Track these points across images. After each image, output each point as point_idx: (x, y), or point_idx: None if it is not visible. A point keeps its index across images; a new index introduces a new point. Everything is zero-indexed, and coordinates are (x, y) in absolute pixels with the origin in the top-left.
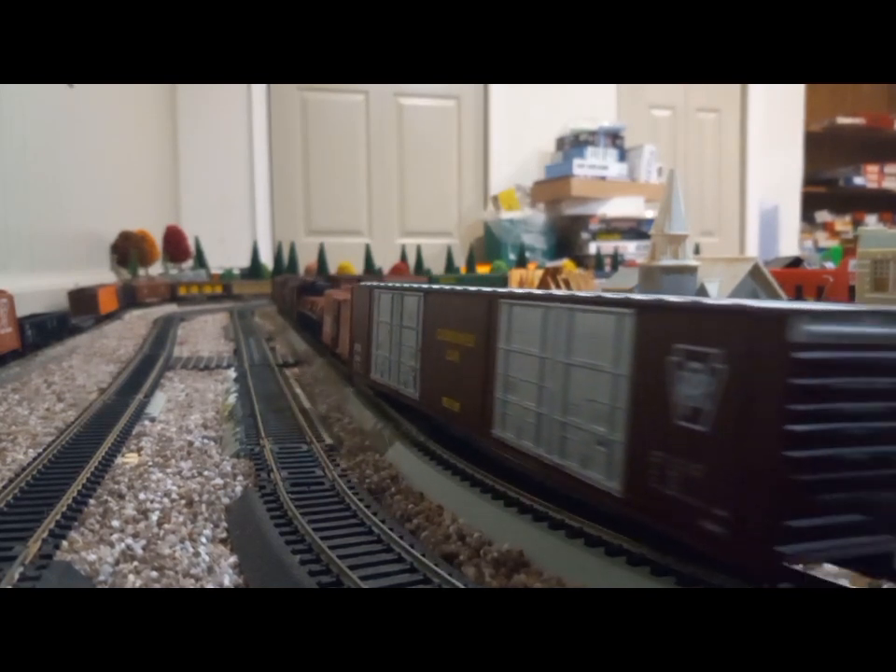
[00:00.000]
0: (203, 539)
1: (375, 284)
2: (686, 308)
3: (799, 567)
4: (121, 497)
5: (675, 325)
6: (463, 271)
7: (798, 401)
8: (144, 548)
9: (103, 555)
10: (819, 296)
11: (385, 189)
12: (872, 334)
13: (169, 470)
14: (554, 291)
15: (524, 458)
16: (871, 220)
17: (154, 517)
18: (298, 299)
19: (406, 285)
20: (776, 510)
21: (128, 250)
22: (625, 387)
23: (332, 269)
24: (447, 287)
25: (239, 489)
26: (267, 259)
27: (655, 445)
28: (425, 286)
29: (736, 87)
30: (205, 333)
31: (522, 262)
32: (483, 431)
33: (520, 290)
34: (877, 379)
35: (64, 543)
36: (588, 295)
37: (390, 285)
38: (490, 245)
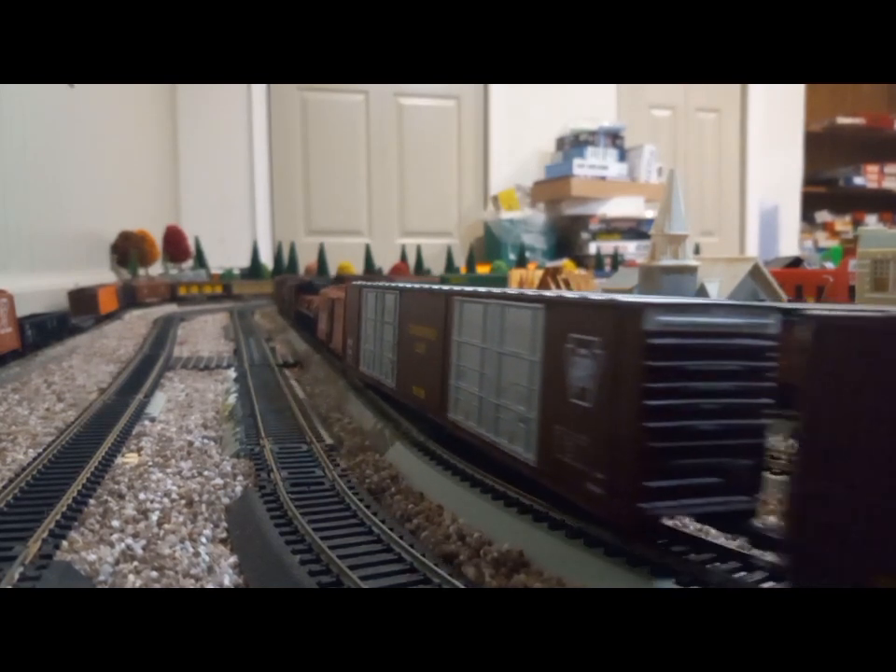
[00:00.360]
0: (203, 539)
1: (364, 283)
2: (577, 303)
3: (668, 521)
4: (121, 497)
5: (570, 318)
6: (463, 271)
7: (653, 380)
8: (144, 548)
9: (103, 555)
10: (819, 296)
11: (385, 189)
12: (720, 324)
13: (169, 470)
14: (493, 290)
15: (472, 437)
16: (871, 220)
17: (154, 517)
18: (295, 297)
19: (392, 284)
20: (638, 473)
21: (128, 250)
22: (538, 372)
23: (332, 269)
24: (416, 285)
25: (239, 489)
26: (267, 259)
27: (557, 421)
28: (401, 284)
29: (736, 87)
30: (205, 333)
31: (522, 262)
32: (442, 415)
33: (469, 288)
34: (726, 362)
35: (64, 543)
36: (515, 293)
37: (376, 284)
38: (490, 244)
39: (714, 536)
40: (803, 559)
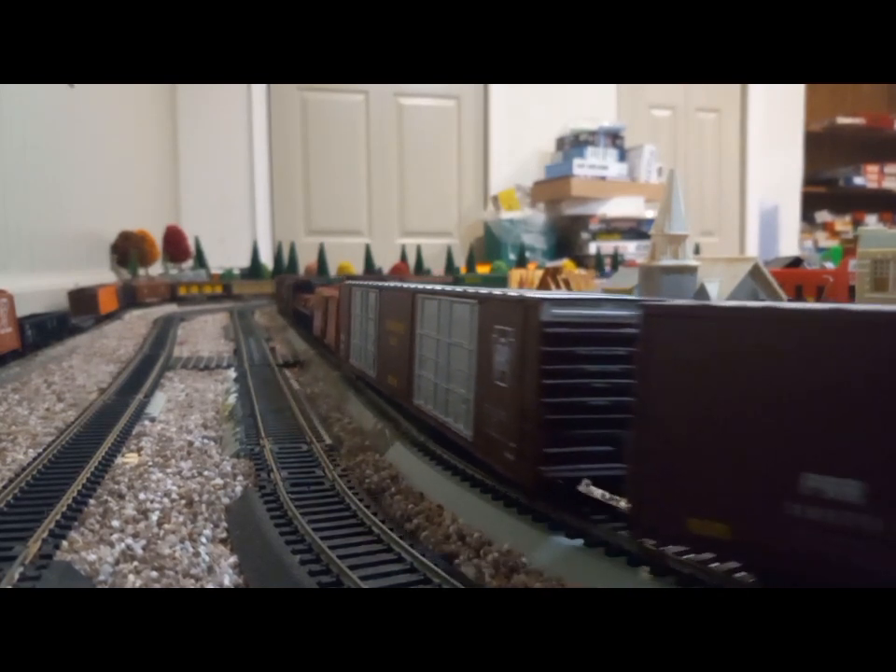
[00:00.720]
0: (203, 539)
1: (353, 282)
2: (499, 299)
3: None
4: (121, 497)
5: (495, 311)
6: (463, 271)
7: (549, 363)
8: (144, 548)
9: (103, 555)
10: (819, 296)
11: (385, 189)
12: (607, 315)
13: (169, 470)
14: (447, 287)
15: (431, 419)
16: (871, 220)
17: (154, 517)
18: (293, 296)
19: (374, 283)
20: (539, 441)
21: (128, 250)
22: (474, 359)
23: (332, 269)
24: (393, 284)
25: (239, 489)
26: (267, 259)
27: (486, 400)
28: (380, 283)
29: (736, 87)
30: (205, 333)
31: (522, 262)
32: (409, 401)
33: (430, 287)
34: (613, 348)
35: (64, 543)
36: (460, 290)
37: (362, 283)
38: (490, 244)
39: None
40: (637, 508)
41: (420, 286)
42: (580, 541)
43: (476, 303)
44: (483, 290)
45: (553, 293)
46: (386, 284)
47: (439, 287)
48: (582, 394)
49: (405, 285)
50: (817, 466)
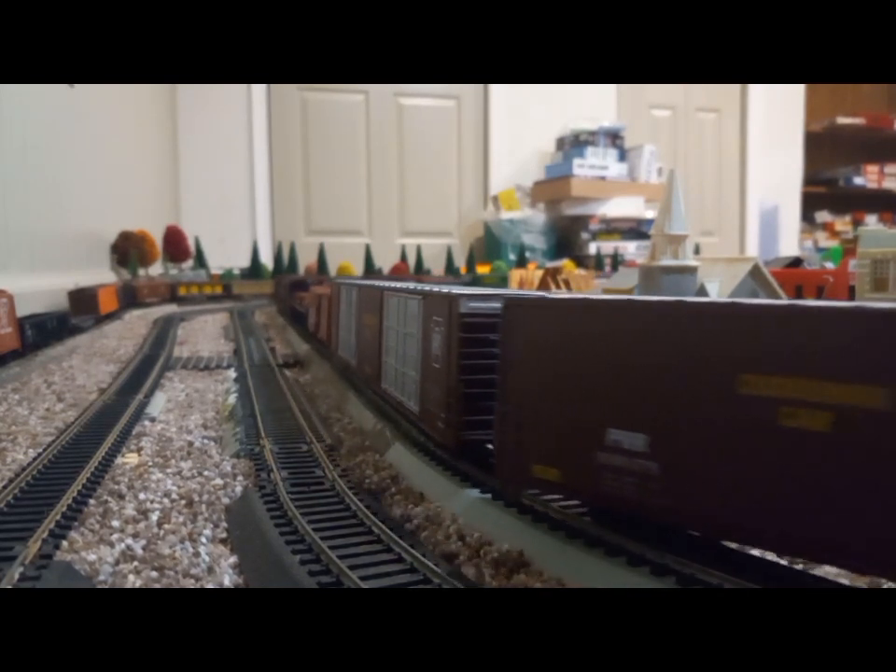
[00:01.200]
0: (203, 540)
1: (342, 281)
2: (435, 294)
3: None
4: (121, 497)
5: (433, 305)
6: (463, 271)
7: (466, 347)
8: (144, 548)
9: (103, 555)
10: (819, 296)
11: (385, 189)
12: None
13: (169, 470)
14: (409, 285)
15: (393, 400)
16: (871, 220)
17: (154, 517)
18: (290, 294)
19: (356, 281)
20: (459, 411)
21: (128, 250)
22: (420, 345)
23: (332, 269)
24: (368, 282)
25: (239, 489)
26: (267, 259)
27: (427, 380)
28: (360, 282)
29: (736, 87)
30: (205, 333)
31: (522, 262)
32: (378, 385)
33: (394, 285)
34: None
35: (64, 543)
36: (413, 287)
37: (348, 281)
38: (490, 245)
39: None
40: (500, 458)
41: (388, 284)
42: (580, 541)
43: (421, 299)
44: (429, 287)
45: (476, 290)
46: (364, 282)
47: (401, 285)
48: (492, 372)
49: (377, 283)
50: (617, 423)
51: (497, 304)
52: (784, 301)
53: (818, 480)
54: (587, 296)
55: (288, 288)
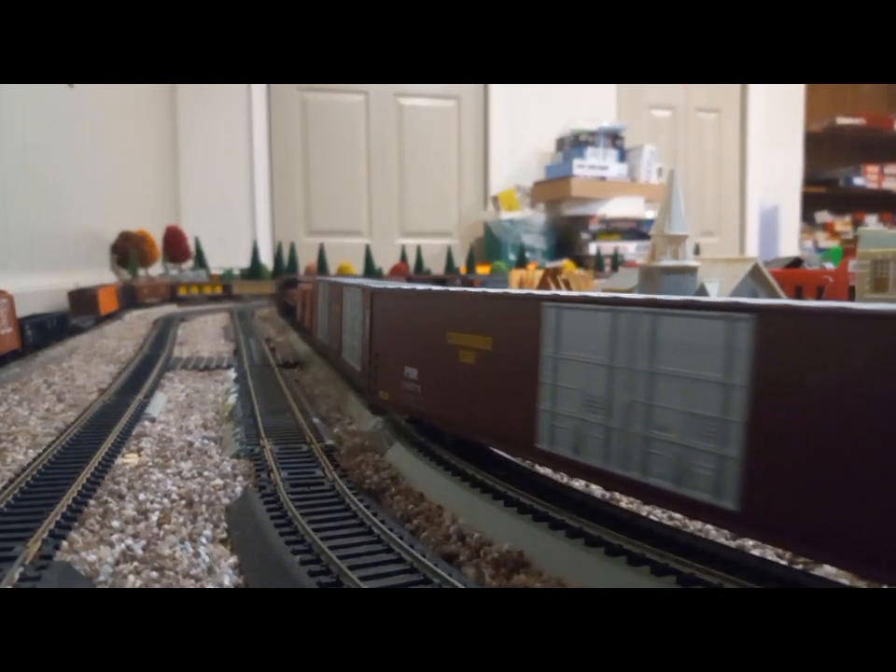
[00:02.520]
0: (204, 540)
1: (321, 278)
2: (368, 287)
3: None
4: (121, 497)
5: (365, 295)
6: (463, 271)
7: (375, 323)
8: (144, 548)
9: (103, 556)
10: (819, 296)
11: (385, 189)
12: (408, 291)
13: (169, 471)
14: (363, 282)
15: (349, 367)
16: (871, 220)
17: (154, 517)
18: (282, 292)
19: (330, 279)
20: (371, 374)
21: (128, 250)
22: (367, 324)
23: (332, 269)
24: (335, 279)
25: (239, 489)
26: (267, 260)
27: (362, 348)
28: (333, 279)
29: (736, 87)
30: (205, 334)
31: (522, 263)
32: (340, 357)
33: (349, 281)
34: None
35: (64, 544)
36: (359, 283)
37: (326, 279)
38: (490, 245)
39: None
40: (368, 386)
41: (347, 280)
42: (580, 541)
43: (361, 290)
44: (371, 283)
45: (388, 284)
46: (334, 279)
47: (353, 281)
48: (395, 343)
49: (341, 279)
50: (408, 363)
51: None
52: (471, 289)
53: (474, 389)
54: (406, 286)
55: (281, 287)
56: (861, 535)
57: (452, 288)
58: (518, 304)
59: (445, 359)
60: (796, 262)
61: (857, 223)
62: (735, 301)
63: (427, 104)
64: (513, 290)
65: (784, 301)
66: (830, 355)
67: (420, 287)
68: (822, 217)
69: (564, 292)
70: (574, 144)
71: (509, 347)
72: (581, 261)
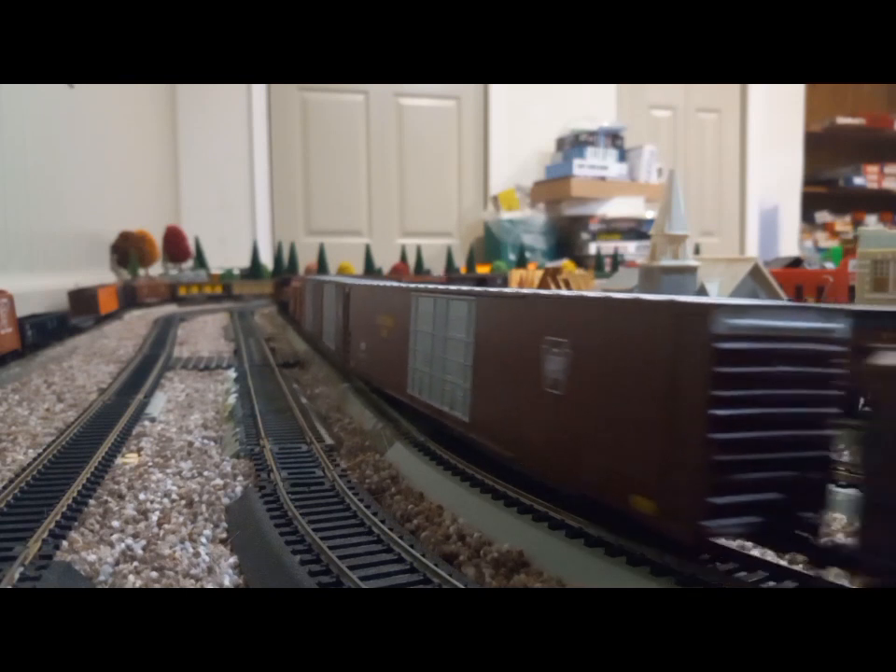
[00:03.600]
0: (203, 540)
1: (307, 277)
2: (342, 283)
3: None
4: (121, 497)
5: (337, 289)
6: (463, 271)
7: (350, 308)
8: (144, 548)
9: (103, 556)
10: (819, 296)
11: (385, 189)
12: (384, 286)
13: (169, 471)
14: (336, 279)
15: (328, 349)
16: (871, 220)
17: (154, 517)
18: (278, 289)
19: (314, 277)
20: (345, 350)
21: (128, 250)
22: (341, 312)
23: (333, 269)
24: (318, 278)
25: (239, 489)
26: (267, 260)
27: (337, 330)
28: (317, 277)
29: (736, 87)
30: (205, 333)
31: (522, 262)
32: (320, 337)
33: (330, 278)
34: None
35: (64, 543)
36: (335, 280)
37: (311, 277)
38: (490, 245)
39: None
40: (343, 359)
41: (326, 278)
42: (580, 541)
43: (335, 286)
44: (346, 279)
45: (357, 280)
46: (317, 277)
47: (331, 279)
48: (367, 328)
49: (322, 278)
50: (363, 339)
51: (374, 284)
52: (386, 283)
53: (385, 355)
54: (364, 282)
55: (278, 286)
56: (531, 438)
57: (384, 283)
58: (401, 294)
59: (376, 335)
60: (796, 262)
61: (857, 223)
62: (469, 289)
63: (427, 104)
64: (403, 284)
65: (490, 290)
66: (503, 320)
67: (370, 282)
68: (822, 217)
69: (423, 285)
70: (574, 144)
71: (400, 324)
72: (580, 261)
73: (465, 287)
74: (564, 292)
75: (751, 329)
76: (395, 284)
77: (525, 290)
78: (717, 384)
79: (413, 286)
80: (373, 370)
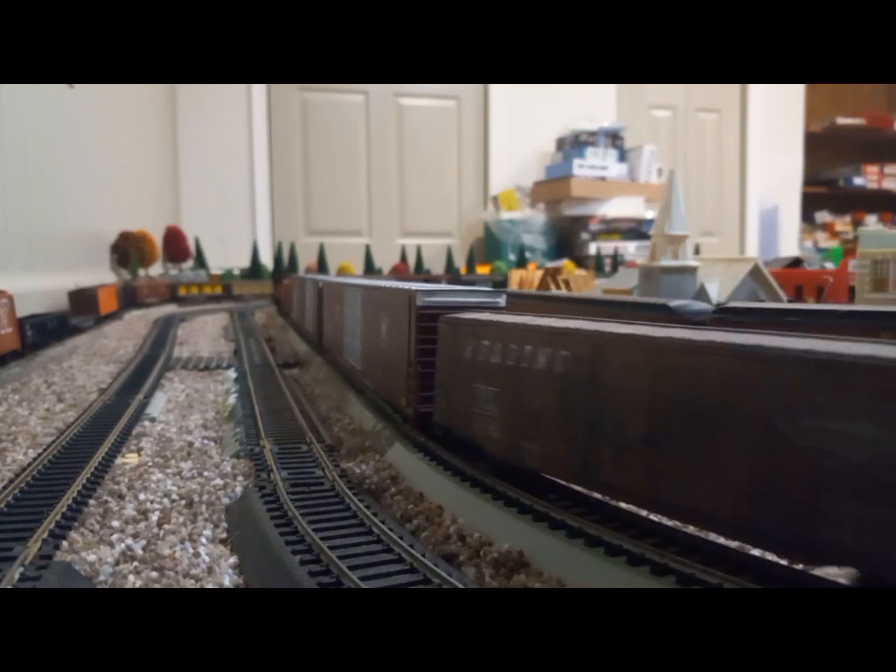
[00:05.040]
0: (203, 540)
1: (296, 275)
2: (318, 280)
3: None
4: (121, 497)
5: (319, 284)
6: (463, 271)
7: (321, 301)
8: (144, 548)
9: (103, 556)
10: (819, 296)
11: (385, 189)
12: (329, 283)
13: (169, 471)
14: (316, 278)
15: (308, 332)
16: (871, 220)
17: (154, 517)
18: (275, 288)
19: (301, 276)
20: (320, 332)
21: (128, 250)
22: (316, 303)
23: (333, 269)
24: (302, 276)
25: (239, 489)
26: (267, 260)
27: (317, 318)
28: (302, 275)
29: (736, 87)
30: (205, 334)
31: (522, 263)
32: (304, 325)
33: (307, 276)
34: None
35: (64, 543)
36: (316, 278)
37: (299, 276)
38: (490, 245)
39: None
40: (318, 338)
41: (308, 276)
42: (580, 541)
43: (314, 282)
44: (320, 278)
45: (330, 279)
46: (302, 276)
47: (312, 277)
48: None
49: (305, 276)
50: (329, 323)
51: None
52: (339, 279)
53: (338, 332)
54: (332, 279)
55: (275, 285)
56: (377, 370)
57: (341, 280)
58: (342, 287)
59: (334, 318)
60: (796, 262)
61: (857, 223)
62: (362, 284)
63: (427, 104)
64: (348, 280)
65: (377, 283)
66: (370, 304)
67: (335, 279)
68: (822, 217)
69: (358, 281)
70: (574, 144)
71: (341, 309)
72: (580, 261)
73: (360, 282)
74: (383, 283)
75: (436, 303)
76: (345, 280)
77: (381, 284)
78: (419, 331)
79: (349, 281)
80: (332, 343)
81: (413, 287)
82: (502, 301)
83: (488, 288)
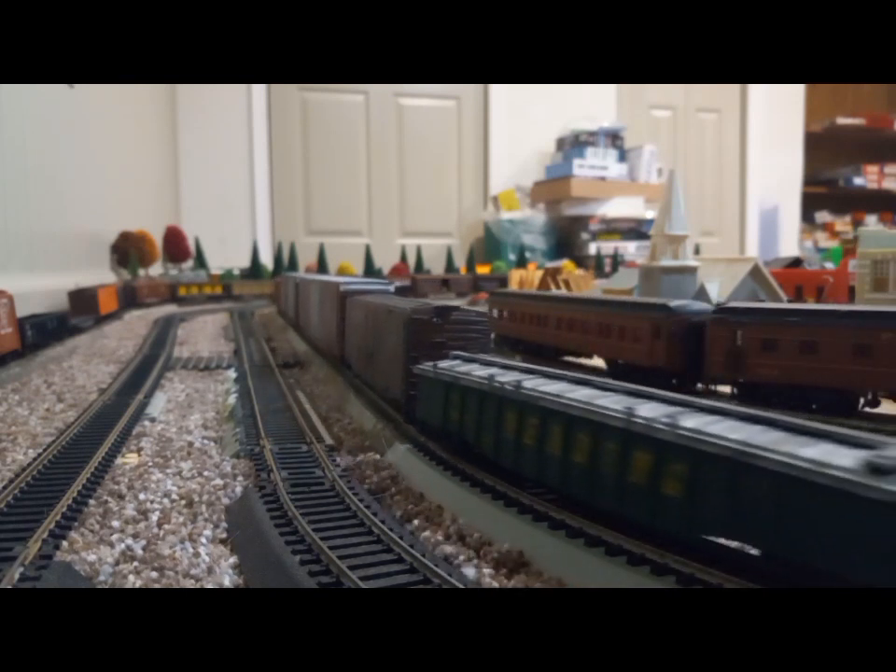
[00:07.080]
0: (203, 540)
1: (286, 275)
2: (295, 278)
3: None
4: (121, 497)
5: (296, 280)
6: (463, 271)
7: (298, 294)
8: (144, 548)
9: (103, 556)
10: (819, 296)
11: (385, 189)
12: (304, 280)
13: (169, 471)
14: (296, 276)
15: (304, 330)
16: (871, 220)
17: (154, 517)
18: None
19: (289, 275)
20: (299, 321)
21: (128, 250)
22: (294, 297)
23: (333, 269)
24: (291, 275)
25: (239, 489)
26: (267, 260)
27: (295, 309)
28: (290, 275)
29: (736, 87)
30: (205, 334)
31: (522, 262)
32: (297, 323)
33: (291, 275)
34: (318, 294)
35: (64, 543)
36: (313, 278)
37: (289, 275)
38: (490, 245)
39: None
40: (297, 330)
41: (291, 275)
42: (580, 541)
43: (293, 279)
44: (299, 276)
45: (306, 276)
46: (289, 275)
47: (294, 276)
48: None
49: (291, 275)
50: (305, 311)
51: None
52: (321, 278)
53: (311, 318)
54: (309, 277)
55: (274, 284)
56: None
57: (314, 277)
58: (310, 284)
59: (305, 305)
60: (796, 262)
61: (857, 223)
62: (326, 280)
63: (427, 104)
64: (317, 278)
65: (326, 279)
66: (324, 294)
67: (310, 277)
68: (822, 217)
69: (317, 277)
70: (574, 144)
71: (306, 297)
72: (580, 261)
73: (317, 278)
74: (329, 279)
75: (350, 289)
76: (309, 277)
77: (327, 279)
78: (340, 305)
79: (311, 278)
80: (307, 328)
81: (340, 280)
82: (391, 288)
83: (385, 281)
